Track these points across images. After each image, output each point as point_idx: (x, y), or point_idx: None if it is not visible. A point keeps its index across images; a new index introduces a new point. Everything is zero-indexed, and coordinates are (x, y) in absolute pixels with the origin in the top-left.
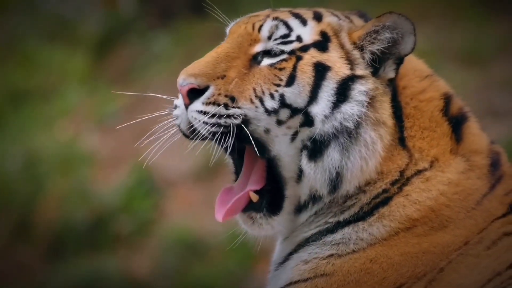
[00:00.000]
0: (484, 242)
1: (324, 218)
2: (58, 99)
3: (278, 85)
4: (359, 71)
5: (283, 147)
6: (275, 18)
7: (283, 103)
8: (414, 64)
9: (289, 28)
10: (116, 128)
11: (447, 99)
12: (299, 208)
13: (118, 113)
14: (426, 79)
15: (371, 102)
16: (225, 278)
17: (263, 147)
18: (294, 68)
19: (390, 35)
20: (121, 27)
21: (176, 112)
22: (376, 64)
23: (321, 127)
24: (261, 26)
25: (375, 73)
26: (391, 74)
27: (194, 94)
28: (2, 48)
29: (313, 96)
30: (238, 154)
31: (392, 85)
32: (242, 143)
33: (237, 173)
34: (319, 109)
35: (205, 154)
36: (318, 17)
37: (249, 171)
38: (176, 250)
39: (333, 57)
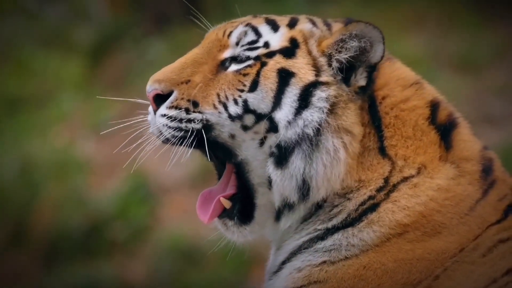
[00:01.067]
0: (479, 249)
1: (313, 225)
2: (53, 105)
3: (242, 91)
4: (324, 78)
5: (251, 152)
6: (247, 25)
7: (247, 109)
8: (398, 72)
9: (258, 34)
10: (101, 133)
11: (433, 107)
12: (278, 215)
13: (113, 120)
14: (410, 88)
15: (333, 108)
16: (220, 285)
17: (229, 152)
18: (258, 74)
19: (357, 43)
20: (116, 34)
21: (148, 118)
22: (342, 73)
23: (284, 133)
24: (231, 33)
25: (346, 81)
26: (362, 82)
27: (160, 99)
28: None
29: (277, 102)
30: (221, 160)
31: (365, 93)
32: (207, 148)
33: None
34: (283, 114)
35: (200, 161)
36: (292, 24)
37: (229, 176)
38: (171, 256)
39: (299, 64)
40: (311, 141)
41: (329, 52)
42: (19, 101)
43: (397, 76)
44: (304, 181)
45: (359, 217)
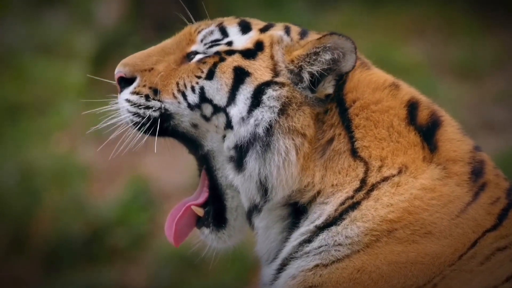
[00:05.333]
0: (477, 257)
1: (298, 231)
2: (54, 112)
3: (199, 77)
4: (279, 79)
5: (217, 144)
6: (218, 25)
7: (203, 97)
8: (371, 77)
9: (224, 34)
10: (87, 132)
11: (411, 107)
12: (249, 218)
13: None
14: (384, 90)
15: (285, 109)
16: None
17: (194, 142)
18: (215, 65)
19: (330, 56)
20: (117, 41)
21: (117, 103)
22: (312, 81)
23: (237, 129)
24: (202, 30)
25: (313, 87)
26: (329, 90)
27: (125, 83)
28: None
29: (232, 97)
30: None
31: (327, 99)
32: (169, 137)
33: None
34: (236, 110)
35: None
36: (265, 29)
37: (203, 184)
38: (172, 263)
39: (257, 65)
40: (263, 141)
41: (299, 63)
42: (19, 108)
43: (369, 80)
44: (261, 182)
45: (340, 216)
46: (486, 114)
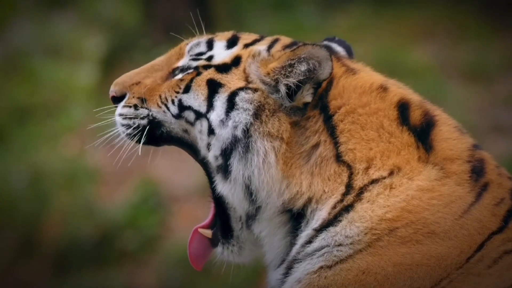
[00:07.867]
0: (484, 260)
1: (300, 233)
2: (63, 115)
3: (177, 92)
4: (252, 85)
5: (205, 150)
6: (207, 38)
7: (182, 106)
8: (356, 82)
9: (209, 48)
10: (89, 127)
11: (401, 108)
12: (249, 227)
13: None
14: (370, 94)
15: (259, 114)
16: None
17: (191, 147)
18: (191, 80)
19: (306, 66)
20: (126, 44)
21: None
22: (289, 96)
23: (219, 131)
24: (190, 42)
25: (290, 97)
26: (308, 98)
27: (118, 102)
28: (7, 64)
29: (209, 104)
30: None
31: (306, 108)
32: (167, 144)
33: None
34: (215, 114)
35: None
36: (250, 44)
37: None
38: (182, 266)
39: (229, 78)
40: (243, 143)
41: (275, 76)
42: (29, 111)
43: (354, 85)
44: (245, 184)
45: (335, 218)
46: (495, 117)
